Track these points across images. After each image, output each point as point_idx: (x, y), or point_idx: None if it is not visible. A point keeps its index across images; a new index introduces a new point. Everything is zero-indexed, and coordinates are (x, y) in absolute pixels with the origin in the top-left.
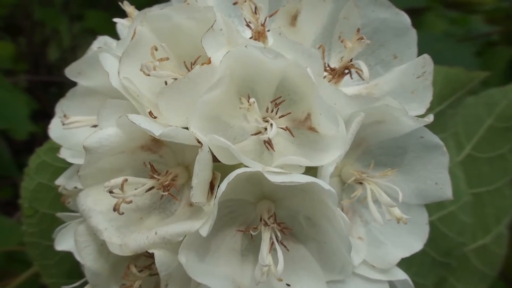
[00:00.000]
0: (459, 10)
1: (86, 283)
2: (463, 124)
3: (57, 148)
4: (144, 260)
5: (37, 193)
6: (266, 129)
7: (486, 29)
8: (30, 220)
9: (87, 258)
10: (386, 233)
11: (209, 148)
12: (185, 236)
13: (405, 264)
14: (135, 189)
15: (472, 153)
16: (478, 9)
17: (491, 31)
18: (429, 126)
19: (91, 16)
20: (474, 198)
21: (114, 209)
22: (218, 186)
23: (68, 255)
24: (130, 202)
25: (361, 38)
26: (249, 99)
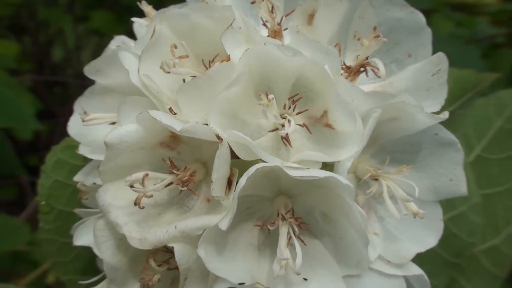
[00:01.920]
0: (464, 12)
1: (102, 279)
2: (473, 126)
3: (73, 146)
4: (162, 255)
5: (54, 190)
6: (283, 125)
7: (492, 31)
8: (46, 217)
9: (106, 253)
10: (401, 229)
11: (228, 144)
12: (204, 230)
13: (416, 263)
14: (154, 184)
15: (482, 154)
16: (483, 10)
17: (496, 33)
18: None
19: (96, 17)
20: (484, 199)
21: (135, 204)
22: (236, 181)
23: (84, 252)
24: (151, 196)
25: (378, 36)
26: (267, 95)
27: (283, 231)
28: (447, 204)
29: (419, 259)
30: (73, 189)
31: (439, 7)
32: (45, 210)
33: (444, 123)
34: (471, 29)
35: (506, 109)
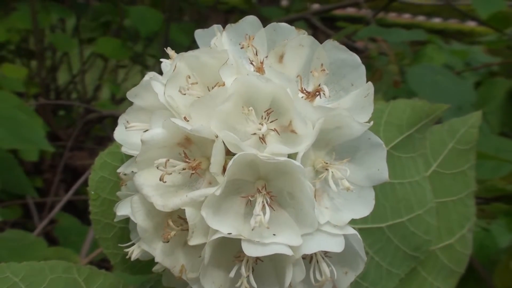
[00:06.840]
0: (460, 41)
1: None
2: (430, 147)
3: (114, 152)
4: (177, 221)
5: (100, 183)
6: (260, 129)
7: (486, 60)
8: (94, 203)
9: (139, 219)
10: (345, 205)
11: (223, 141)
12: (206, 197)
13: (380, 255)
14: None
15: (438, 170)
16: (479, 40)
17: (490, 62)
18: (400, 147)
19: (101, 42)
20: (441, 206)
21: (160, 179)
22: None
23: (119, 232)
24: (170, 174)
25: (323, 70)
26: (248, 108)
27: (259, 200)
28: (406, 209)
29: (382, 252)
30: (114, 183)
31: (433, 39)
32: (93, 197)
33: (404, 143)
34: (465, 58)
35: (457, 134)
